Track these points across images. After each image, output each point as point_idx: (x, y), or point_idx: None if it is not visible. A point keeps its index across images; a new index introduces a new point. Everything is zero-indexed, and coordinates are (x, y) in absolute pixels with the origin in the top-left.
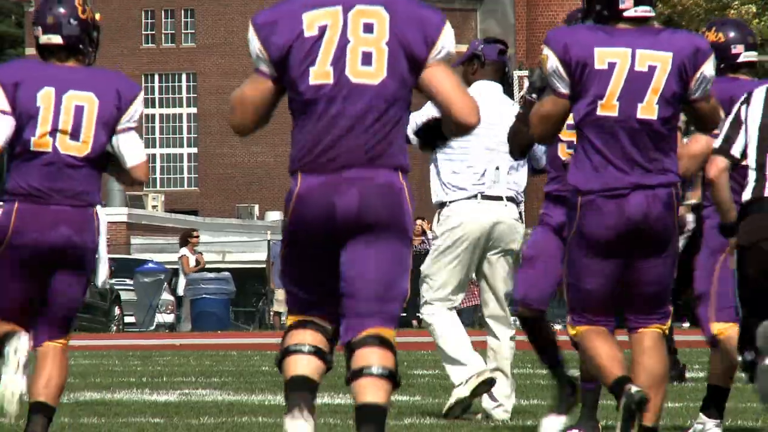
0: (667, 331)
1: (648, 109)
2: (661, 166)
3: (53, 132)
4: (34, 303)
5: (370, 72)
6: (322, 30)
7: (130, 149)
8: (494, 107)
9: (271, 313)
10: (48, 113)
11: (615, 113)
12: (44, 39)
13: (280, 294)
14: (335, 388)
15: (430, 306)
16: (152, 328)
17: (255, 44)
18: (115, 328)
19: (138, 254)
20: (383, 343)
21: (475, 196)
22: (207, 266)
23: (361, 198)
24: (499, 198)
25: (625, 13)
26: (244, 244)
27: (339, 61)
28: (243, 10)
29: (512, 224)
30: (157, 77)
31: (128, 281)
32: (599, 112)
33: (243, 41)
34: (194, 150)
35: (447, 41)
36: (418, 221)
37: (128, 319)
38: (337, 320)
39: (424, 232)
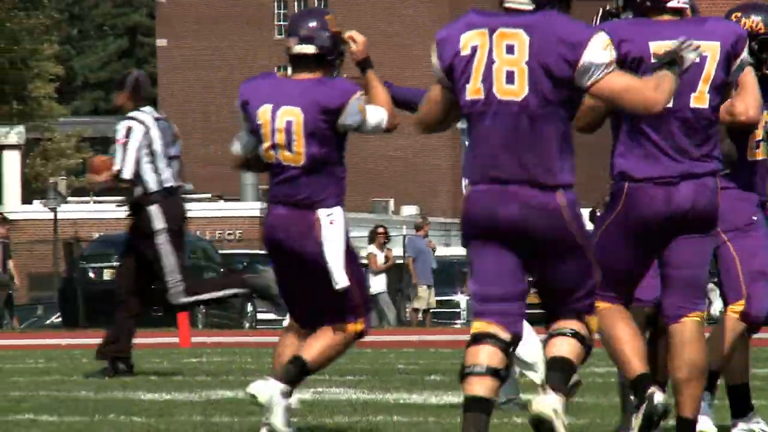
0: (704, 320)
1: (700, 99)
2: (708, 154)
3: (274, 146)
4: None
5: (513, 90)
6: (474, 50)
7: (374, 119)
8: None
9: (408, 310)
10: (267, 129)
11: (670, 104)
12: (298, 49)
13: (422, 291)
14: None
15: None
16: (285, 324)
17: (433, 57)
18: (248, 324)
19: None
20: None
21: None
22: None
23: (521, 215)
24: None
25: (669, 4)
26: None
27: (487, 79)
28: (373, 2)
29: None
30: (290, 70)
31: None
32: None
33: (374, 34)
34: None
35: (592, 56)
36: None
37: (261, 316)
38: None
39: None
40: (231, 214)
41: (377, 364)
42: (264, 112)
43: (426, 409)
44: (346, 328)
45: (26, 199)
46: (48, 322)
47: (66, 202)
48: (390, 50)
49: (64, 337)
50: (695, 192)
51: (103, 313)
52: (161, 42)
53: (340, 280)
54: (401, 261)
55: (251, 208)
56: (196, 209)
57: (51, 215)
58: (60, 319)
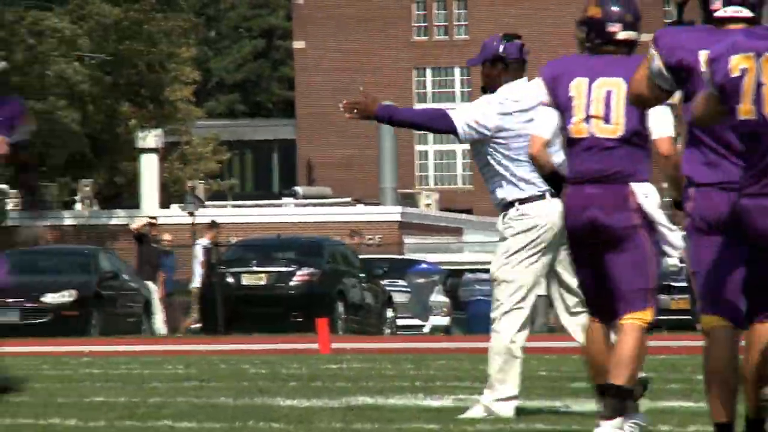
0: None
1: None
2: None
3: (587, 118)
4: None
5: None
6: (743, 72)
7: (656, 122)
8: (532, 103)
9: (550, 316)
10: (581, 101)
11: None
12: (624, 35)
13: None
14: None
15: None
16: (426, 331)
17: (703, 67)
18: (388, 330)
19: (411, 254)
20: None
21: (543, 196)
22: (480, 268)
23: None
24: None
25: (716, 14)
26: None
27: (757, 101)
28: (516, 3)
29: None
30: (429, 71)
31: (400, 282)
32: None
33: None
34: (468, 146)
35: None
36: None
37: (401, 321)
38: None
39: None
40: (370, 218)
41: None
42: (578, 84)
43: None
44: (640, 321)
45: (164, 203)
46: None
47: (204, 206)
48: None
49: (203, 343)
50: None
51: (242, 319)
52: (298, 44)
53: (677, 244)
54: None
55: (390, 212)
56: (335, 213)
57: (189, 219)
58: (198, 325)
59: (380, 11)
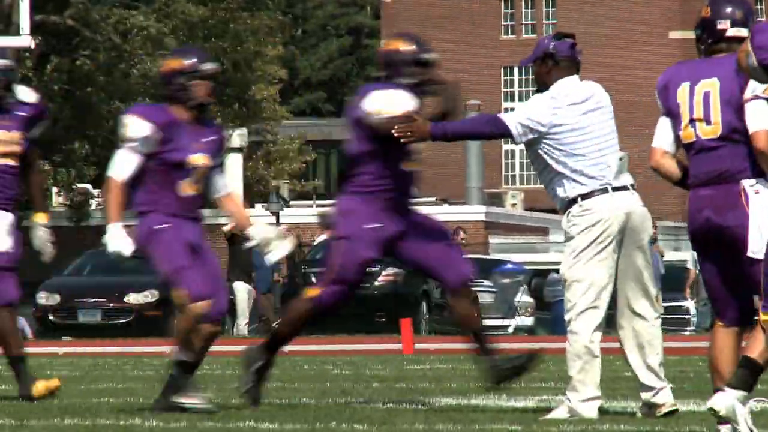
0: None
1: None
2: None
3: (692, 122)
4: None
5: None
6: None
7: (752, 116)
8: (595, 97)
9: None
10: (685, 107)
11: None
12: (733, 32)
13: None
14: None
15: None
16: (510, 331)
17: None
18: None
19: (496, 254)
20: None
21: (606, 190)
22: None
23: None
24: (626, 188)
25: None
26: None
27: None
28: (604, 0)
29: (643, 212)
30: (517, 70)
31: (486, 282)
32: None
33: (605, 32)
34: None
35: None
36: None
37: (485, 322)
38: None
39: None
40: (455, 218)
41: (604, 371)
42: (682, 90)
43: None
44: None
45: (249, 203)
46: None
47: (288, 206)
48: (616, 51)
49: None
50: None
51: (324, 320)
52: None
53: (756, 249)
54: None
55: (476, 212)
56: None
57: (273, 219)
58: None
59: (467, 10)
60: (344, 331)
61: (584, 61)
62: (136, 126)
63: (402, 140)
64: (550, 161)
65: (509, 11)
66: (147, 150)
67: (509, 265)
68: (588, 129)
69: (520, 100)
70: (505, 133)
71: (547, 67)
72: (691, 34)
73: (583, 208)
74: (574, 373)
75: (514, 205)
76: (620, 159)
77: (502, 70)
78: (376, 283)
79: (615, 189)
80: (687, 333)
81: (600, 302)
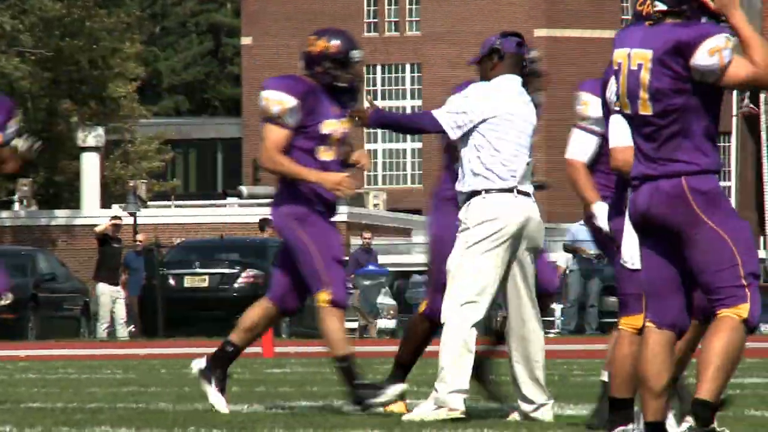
0: None
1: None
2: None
3: None
4: None
5: None
6: None
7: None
8: (520, 100)
9: (498, 319)
10: None
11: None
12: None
13: None
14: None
15: (454, 306)
16: (373, 334)
17: None
18: None
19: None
20: None
21: (511, 190)
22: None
23: None
24: (528, 194)
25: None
26: None
27: None
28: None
29: (540, 221)
30: (379, 68)
31: (348, 284)
32: None
33: (470, 30)
34: (418, 145)
35: None
36: None
37: (348, 324)
38: None
39: None
40: None
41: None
42: None
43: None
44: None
45: (105, 204)
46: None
47: (146, 207)
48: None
49: (142, 347)
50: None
51: (183, 323)
52: (246, 40)
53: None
54: None
55: (337, 212)
56: None
57: (131, 220)
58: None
59: (330, 7)
60: (203, 333)
61: (450, 61)
62: (593, 104)
63: (350, 123)
64: (464, 150)
65: (372, 8)
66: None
67: (371, 267)
68: (511, 128)
69: (384, 98)
70: (438, 129)
71: (492, 63)
72: (556, 32)
73: (487, 202)
74: (446, 364)
75: (376, 205)
76: (527, 164)
77: (365, 68)
78: (236, 285)
79: (520, 192)
80: (551, 335)
81: (482, 298)
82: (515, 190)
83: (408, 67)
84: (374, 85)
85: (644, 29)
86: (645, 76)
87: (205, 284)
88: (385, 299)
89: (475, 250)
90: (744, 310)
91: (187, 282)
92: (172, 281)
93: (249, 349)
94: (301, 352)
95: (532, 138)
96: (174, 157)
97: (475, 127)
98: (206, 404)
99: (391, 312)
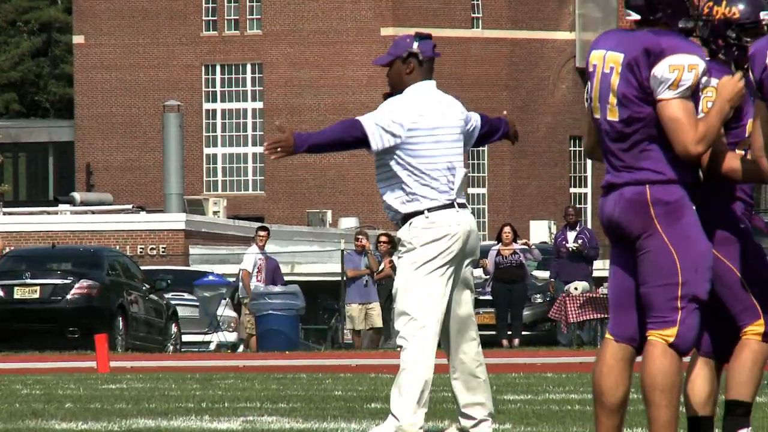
0: None
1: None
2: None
3: None
4: None
5: None
6: None
7: None
8: (445, 107)
9: (345, 332)
10: None
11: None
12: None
13: (353, 310)
14: None
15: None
16: (212, 348)
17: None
18: (171, 347)
19: (197, 265)
20: None
21: (452, 205)
22: None
23: None
24: (466, 206)
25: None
26: (315, 254)
27: None
28: None
29: (477, 233)
30: (219, 68)
31: (186, 295)
32: None
33: (313, 28)
34: (260, 149)
35: None
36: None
37: (186, 338)
38: None
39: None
40: (153, 226)
41: (312, 390)
42: None
43: None
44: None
45: None
46: None
47: None
48: (325, 48)
49: None
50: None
51: (13, 337)
52: (78, 39)
53: None
54: (338, 278)
55: (175, 220)
56: (115, 221)
57: None
58: None
59: (167, 4)
60: (34, 347)
61: (292, 61)
62: None
63: (272, 157)
64: (397, 168)
65: (211, 6)
66: None
67: (211, 277)
68: (441, 139)
69: (223, 100)
70: (363, 139)
71: (410, 67)
72: (402, 31)
73: (430, 221)
74: (409, 395)
75: (216, 212)
76: (464, 175)
77: (203, 68)
78: (69, 297)
79: (460, 205)
80: None
81: (435, 317)
82: (456, 204)
83: (249, 67)
84: (213, 86)
85: (622, 33)
86: (615, 80)
87: (37, 295)
88: (226, 311)
89: (424, 270)
90: (671, 334)
91: (18, 293)
92: (0, 292)
93: (82, 364)
94: (138, 367)
95: (462, 143)
96: (2, 162)
97: (402, 143)
98: (40, 422)
99: (233, 324)
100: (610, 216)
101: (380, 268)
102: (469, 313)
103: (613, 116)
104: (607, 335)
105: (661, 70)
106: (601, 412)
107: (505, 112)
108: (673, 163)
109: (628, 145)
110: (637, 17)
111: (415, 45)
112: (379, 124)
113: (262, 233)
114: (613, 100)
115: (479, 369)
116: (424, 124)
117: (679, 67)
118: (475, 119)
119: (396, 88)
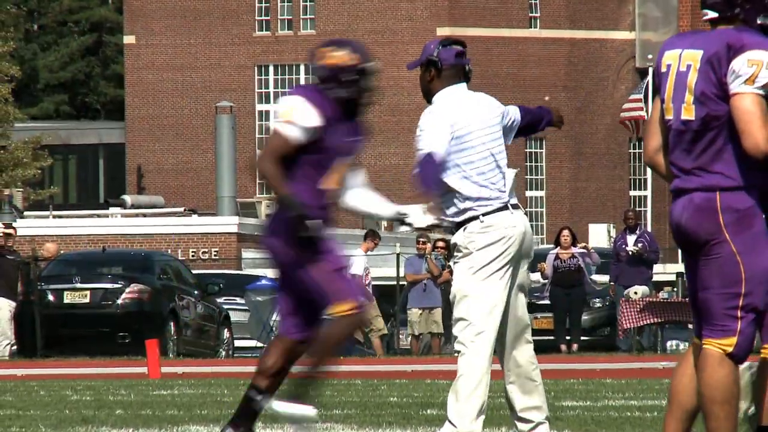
0: None
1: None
2: (702, 167)
3: None
4: None
5: None
6: None
7: None
8: (477, 108)
9: (401, 337)
10: None
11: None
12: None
13: (413, 315)
14: None
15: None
16: None
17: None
18: (224, 352)
19: (250, 269)
20: None
21: (506, 207)
22: None
23: None
24: (518, 207)
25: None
26: (370, 258)
27: None
28: None
29: (531, 234)
30: (272, 69)
31: (239, 300)
32: None
33: (368, 28)
34: None
35: None
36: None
37: (239, 343)
38: None
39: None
40: (205, 230)
41: (367, 397)
42: None
43: None
44: None
45: None
46: None
47: (23, 217)
48: (380, 49)
49: (19, 367)
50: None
51: (63, 342)
52: (129, 39)
53: None
54: (393, 283)
55: (227, 223)
56: (167, 224)
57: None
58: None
59: (219, 3)
60: (84, 353)
61: None
62: None
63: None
64: (449, 180)
65: (264, 5)
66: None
67: (264, 281)
68: (481, 141)
69: (276, 102)
70: (443, 158)
71: (430, 75)
72: (459, 31)
73: (485, 225)
74: (467, 401)
75: (269, 215)
76: (515, 175)
77: (256, 69)
78: (120, 301)
79: (513, 207)
80: None
81: (493, 323)
82: (510, 206)
83: (302, 67)
84: (266, 87)
85: (698, 32)
86: (693, 78)
87: (87, 300)
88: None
89: (482, 274)
90: (730, 344)
91: (67, 298)
92: (51, 297)
93: (133, 369)
94: (190, 373)
95: (502, 140)
96: (52, 164)
97: (452, 151)
98: (90, 428)
99: None
100: (678, 221)
101: (441, 272)
102: (525, 316)
103: (688, 115)
104: (695, 339)
105: (740, 63)
106: (671, 419)
107: (547, 98)
108: (745, 167)
109: (702, 146)
110: (713, 15)
111: (435, 52)
112: (432, 140)
113: (375, 239)
114: (689, 98)
115: (535, 372)
116: (460, 130)
117: (758, 62)
118: (513, 112)
119: (424, 94)
